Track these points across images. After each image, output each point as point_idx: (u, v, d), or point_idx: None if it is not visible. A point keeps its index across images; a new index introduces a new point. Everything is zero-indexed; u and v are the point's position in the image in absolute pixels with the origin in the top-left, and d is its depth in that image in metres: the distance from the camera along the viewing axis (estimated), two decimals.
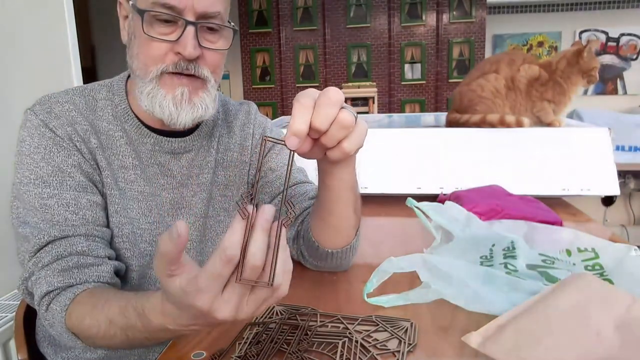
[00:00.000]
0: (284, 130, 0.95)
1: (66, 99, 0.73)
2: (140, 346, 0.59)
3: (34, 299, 0.67)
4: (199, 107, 0.70)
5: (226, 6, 0.70)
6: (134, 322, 0.53)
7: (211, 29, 0.69)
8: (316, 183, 0.70)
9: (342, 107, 0.51)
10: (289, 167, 0.45)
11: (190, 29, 0.66)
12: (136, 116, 0.75)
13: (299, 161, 0.74)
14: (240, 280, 0.40)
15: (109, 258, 0.68)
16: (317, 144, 0.53)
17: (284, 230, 0.42)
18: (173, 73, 0.68)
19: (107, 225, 0.71)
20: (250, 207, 0.40)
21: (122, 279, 0.72)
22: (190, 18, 0.66)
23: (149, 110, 0.70)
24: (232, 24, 0.72)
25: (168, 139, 0.76)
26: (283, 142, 0.46)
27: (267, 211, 0.41)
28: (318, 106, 0.48)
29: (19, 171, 0.68)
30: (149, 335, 0.54)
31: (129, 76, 0.77)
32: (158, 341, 0.56)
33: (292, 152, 0.47)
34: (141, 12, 0.65)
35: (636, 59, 3.50)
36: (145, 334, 0.54)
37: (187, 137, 0.78)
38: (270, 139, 0.45)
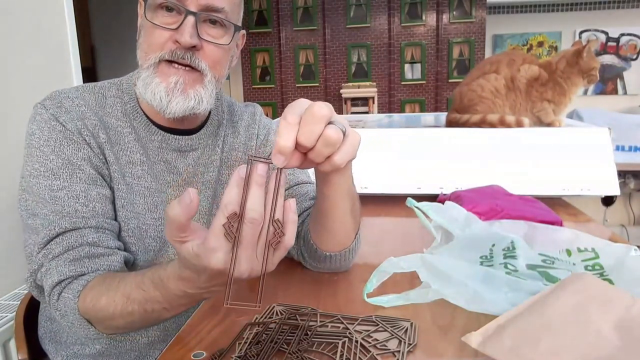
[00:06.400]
0: None
1: (76, 95, 0.74)
2: (158, 320, 0.59)
3: (42, 292, 0.67)
4: (192, 98, 0.70)
5: (233, 6, 0.71)
6: (152, 293, 0.54)
7: (215, 23, 0.70)
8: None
9: (329, 122, 0.49)
10: (277, 185, 0.44)
11: (190, 18, 0.67)
12: (145, 114, 0.76)
13: None
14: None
15: (119, 249, 0.69)
16: (307, 157, 0.52)
17: (282, 179, 0.44)
18: (170, 62, 0.69)
19: (116, 219, 0.72)
20: (244, 167, 0.43)
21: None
22: (193, 9, 0.67)
23: (142, 96, 0.71)
24: (241, 27, 0.72)
25: (175, 136, 0.77)
26: (270, 161, 0.45)
27: (260, 168, 0.44)
28: (303, 123, 0.47)
29: (28, 164, 0.68)
30: (168, 306, 0.55)
31: None
32: (177, 311, 0.57)
33: (279, 170, 0.46)
34: None
35: (636, 59, 3.50)
36: (164, 304, 0.54)
37: (193, 136, 0.79)
38: (257, 159, 0.45)
